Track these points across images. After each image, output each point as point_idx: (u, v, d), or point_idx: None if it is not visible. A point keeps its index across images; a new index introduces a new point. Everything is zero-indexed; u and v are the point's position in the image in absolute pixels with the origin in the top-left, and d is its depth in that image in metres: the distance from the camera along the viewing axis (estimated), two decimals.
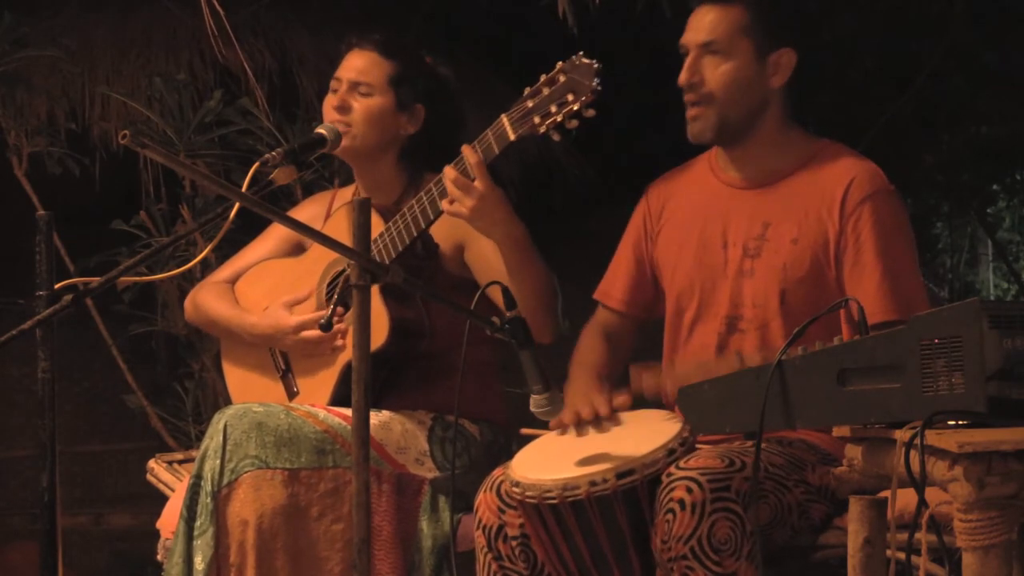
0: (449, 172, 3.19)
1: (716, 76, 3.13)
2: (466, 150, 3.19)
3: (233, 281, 3.70)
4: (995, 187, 10.03)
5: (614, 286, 3.37)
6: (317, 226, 3.50)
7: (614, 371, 3.28)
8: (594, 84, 3.06)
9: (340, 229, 3.37)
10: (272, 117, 5.03)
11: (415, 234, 3.31)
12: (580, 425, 3.06)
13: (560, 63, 3.11)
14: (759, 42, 3.12)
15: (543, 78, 3.12)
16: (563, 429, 3.08)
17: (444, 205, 3.22)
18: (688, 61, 3.15)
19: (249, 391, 3.63)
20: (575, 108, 3.08)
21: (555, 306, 3.31)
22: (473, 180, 3.16)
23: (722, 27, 3.12)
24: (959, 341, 2.38)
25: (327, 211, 3.63)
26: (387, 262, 3.27)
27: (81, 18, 6.26)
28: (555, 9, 4.45)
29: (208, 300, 3.67)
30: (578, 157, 6.89)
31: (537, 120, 3.11)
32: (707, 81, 3.13)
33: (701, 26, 3.15)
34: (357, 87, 3.49)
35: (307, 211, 3.70)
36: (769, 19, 3.13)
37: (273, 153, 3.30)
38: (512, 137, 3.15)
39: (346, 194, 3.68)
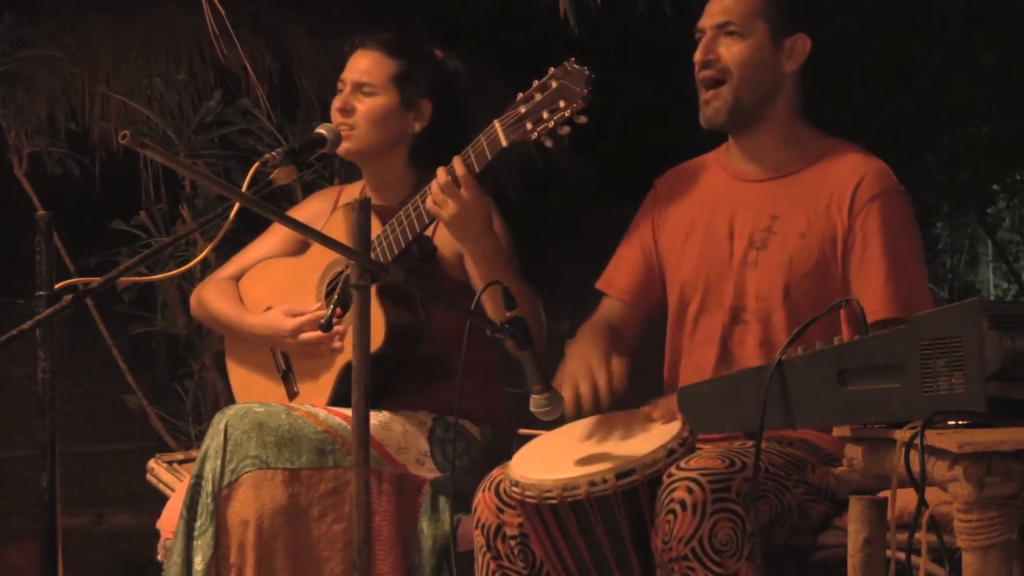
0: (440, 175, 3.20)
1: (732, 54, 3.14)
2: (455, 161, 3.19)
3: (237, 278, 3.71)
4: (995, 187, 10.03)
5: (617, 276, 3.37)
6: (322, 221, 3.51)
7: (617, 350, 3.26)
8: (586, 91, 3.06)
9: (338, 229, 3.37)
10: (272, 117, 5.04)
11: (411, 237, 3.31)
12: (582, 398, 3.04)
13: (552, 69, 3.11)
14: (775, 25, 3.14)
15: (535, 83, 3.12)
16: (570, 403, 3.05)
17: (428, 203, 3.23)
18: (704, 40, 3.17)
19: (251, 390, 3.63)
20: (567, 114, 3.08)
21: (534, 321, 3.26)
22: (460, 188, 3.17)
23: (739, 9, 3.15)
24: (959, 341, 2.38)
25: (332, 207, 3.63)
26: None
27: (81, 18, 6.27)
28: (556, 9, 4.44)
29: (211, 297, 3.67)
30: (578, 157, 6.90)
31: (529, 126, 3.11)
32: (722, 58, 3.14)
33: (719, 10, 3.17)
34: (361, 87, 3.50)
35: (312, 207, 3.70)
36: (785, 3, 3.15)
37: (273, 153, 3.30)
38: (504, 143, 3.15)
39: (353, 191, 3.68)
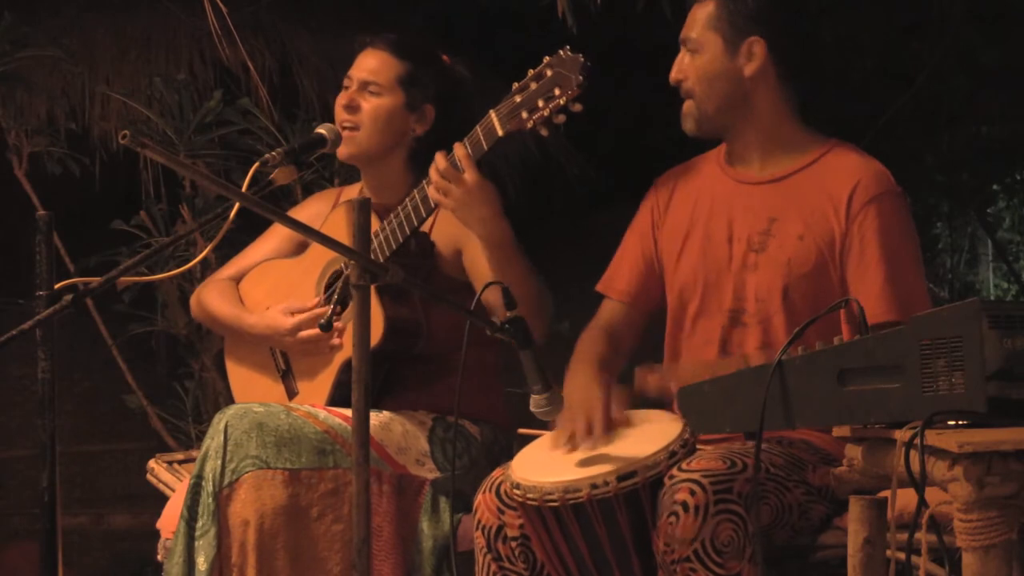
0: (439, 160, 3.20)
1: (692, 71, 3.19)
2: (456, 145, 3.20)
3: (238, 279, 3.71)
4: (995, 187, 10.03)
5: (617, 277, 3.36)
6: (321, 222, 3.51)
7: (616, 366, 3.26)
8: (580, 77, 3.07)
9: (337, 228, 3.37)
10: (273, 117, 5.04)
11: (408, 232, 3.31)
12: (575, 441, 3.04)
13: (547, 57, 3.12)
14: (726, 34, 3.16)
15: (530, 73, 3.13)
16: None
17: (430, 191, 3.23)
18: (676, 59, 3.22)
19: (251, 390, 3.63)
20: (562, 102, 3.09)
21: (542, 311, 3.28)
22: (462, 172, 3.18)
23: (698, 24, 3.19)
24: (959, 341, 2.38)
25: (332, 209, 3.63)
26: (382, 261, 3.27)
27: (81, 18, 6.27)
28: (555, 9, 4.44)
29: (211, 298, 3.67)
30: (578, 157, 6.90)
31: (525, 115, 3.12)
32: (688, 76, 3.20)
33: (687, 24, 3.21)
34: (367, 86, 3.49)
35: (311, 208, 3.70)
36: (735, 11, 3.16)
37: (273, 153, 3.30)
38: (500, 133, 3.16)
39: (352, 191, 3.68)
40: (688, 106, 3.20)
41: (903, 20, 7.36)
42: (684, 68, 3.20)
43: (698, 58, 3.18)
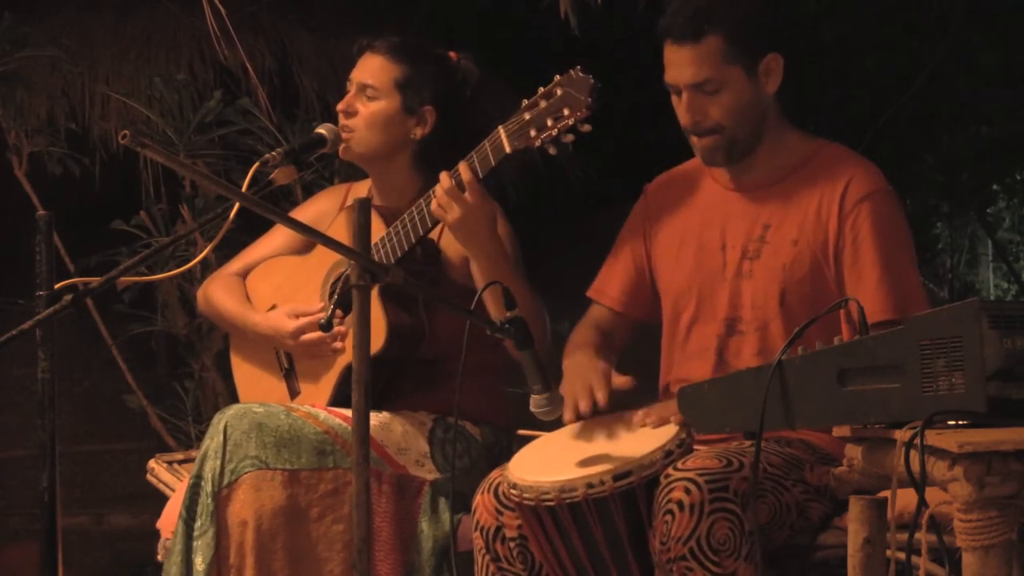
0: (444, 180, 3.19)
1: (718, 109, 3.11)
2: (461, 167, 3.19)
3: (244, 275, 3.71)
4: (995, 187, 10.03)
5: (609, 284, 3.36)
6: (329, 220, 3.51)
7: (610, 353, 3.26)
8: (590, 99, 3.05)
9: (343, 230, 3.37)
10: (272, 117, 5.04)
11: (414, 240, 3.31)
12: (581, 420, 3.04)
13: (557, 76, 3.11)
14: (745, 62, 3.11)
15: (540, 91, 3.12)
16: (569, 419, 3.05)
17: (433, 207, 3.23)
18: (685, 103, 3.13)
19: (254, 388, 3.64)
20: (571, 123, 3.08)
21: (537, 327, 3.25)
22: (464, 192, 3.17)
23: (707, 64, 3.09)
24: (959, 341, 2.38)
25: (340, 206, 3.63)
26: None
27: (81, 18, 6.27)
28: (556, 9, 4.44)
29: (218, 294, 3.67)
30: (578, 157, 6.90)
31: (533, 133, 3.11)
32: (711, 115, 3.12)
33: (684, 66, 3.11)
34: (364, 90, 3.49)
35: (318, 205, 3.70)
36: (746, 36, 3.10)
37: (273, 153, 3.31)
38: (508, 150, 3.15)
39: (360, 189, 3.68)
40: (714, 141, 3.13)
41: (903, 20, 7.36)
42: (702, 109, 3.12)
43: (722, 96, 3.10)
